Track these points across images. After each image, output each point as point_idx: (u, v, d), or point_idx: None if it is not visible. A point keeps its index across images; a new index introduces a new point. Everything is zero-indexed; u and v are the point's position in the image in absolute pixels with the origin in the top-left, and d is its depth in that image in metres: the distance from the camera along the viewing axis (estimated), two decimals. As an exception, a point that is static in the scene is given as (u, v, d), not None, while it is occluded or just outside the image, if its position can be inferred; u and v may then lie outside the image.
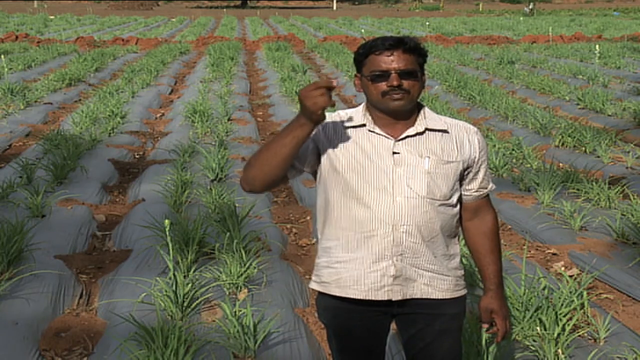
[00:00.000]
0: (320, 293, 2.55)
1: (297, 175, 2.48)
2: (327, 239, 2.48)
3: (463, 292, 2.54)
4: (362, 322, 2.49)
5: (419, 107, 2.47)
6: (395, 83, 2.34)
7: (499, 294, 2.55)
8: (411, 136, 2.41)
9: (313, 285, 2.55)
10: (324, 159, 2.44)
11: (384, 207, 2.37)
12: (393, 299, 2.43)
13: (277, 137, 2.35)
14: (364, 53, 2.40)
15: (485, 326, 2.58)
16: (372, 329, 2.52)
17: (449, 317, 2.51)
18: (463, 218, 2.57)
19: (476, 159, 2.49)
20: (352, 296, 2.44)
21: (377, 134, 2.41)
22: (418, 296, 2.45)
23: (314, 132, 2.39)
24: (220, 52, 20.20)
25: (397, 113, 2.39)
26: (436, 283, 2.46)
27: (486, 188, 2.55)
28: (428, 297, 2.46)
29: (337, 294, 2.46)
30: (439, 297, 2.47)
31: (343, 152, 2.41)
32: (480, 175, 2.52)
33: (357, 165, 2.39)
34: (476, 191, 2.53)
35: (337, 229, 2.44)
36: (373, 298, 2.42)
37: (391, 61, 2.35)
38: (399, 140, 2.41)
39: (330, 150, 2.42)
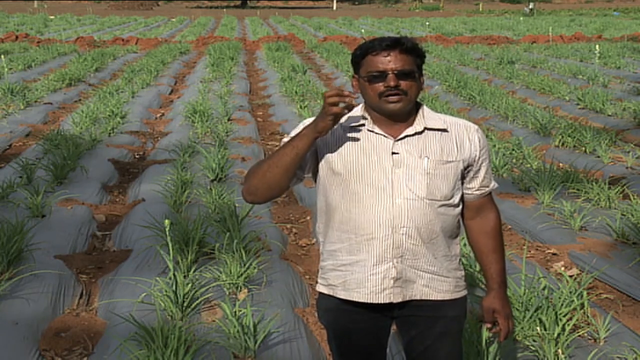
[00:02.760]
0: (320, 294, 2.55)
1: (298, 183, 2.48)
2: (332, 242, 2.47)
3: (463, 293, 2.54)
4: (362, 324, 2.49)
5: (417, 107, 2.45)
6: (392, 83, 2.33)
7: (502, 293, 2.54)
8: (410, 136, 2.40)
9: (320, 288, 2.54)
10: (322, 161, 2.43)
11: (384, 209, 2.36)
12: (394, 302, 2.43)
13: (279, 148, 2.36)
14: (361, 54, 2.39)
15: (488, 326, 2.57)
16: (372, 330, 2.52)
17: (449, 320, 2.50)
18: (465, 217, 2.56)
19: (477, 158, 2.48)
20: (355, 299, 2.43)
21: (376, 133, 2.40)
22: (418, 297, 2.44)
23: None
24: (220, 52, 20.20)
25: (395, 114, 2.38)
26: (435, 284, 2.45)
27: (488, 186, 2.54)
28: (428, 298, 2.45)
29: (343, 297, 2.46)
30: (439, 299, 2.46)
31: (341, 153, 2.40)
32: (482, 173, 2.51)
33: (356, 167, 2.38)
34: (478, 190, 2.52)
35: (340, 232, 2.43)
36: (375, 301, 2.42)
37: (388, 62, 2.34)
38: (398, 140, 2.39)
39: (328, 152, 2.41)
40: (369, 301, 2.42)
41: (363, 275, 2.41)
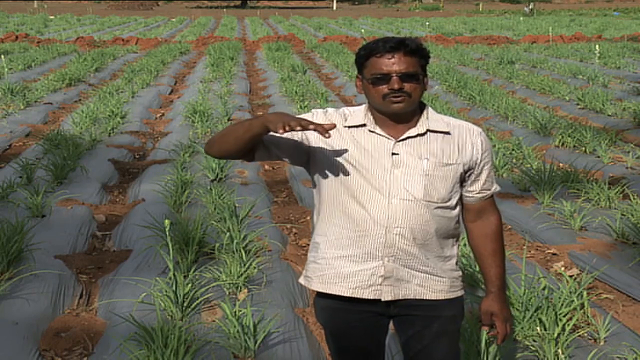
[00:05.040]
0: (317, 294, 2.55)
1: (268, 159, 2.49)
2: (317, 234, 2.50)
3: (459, 293, 2.53)
4: (358, 322, 2.49)
5: (421, 108, 2.45)
6: (396, 86, 2.32)
7: (501, 296, 2.54)
8: (412, 137, 2.40)
9: (301, 280, 2.58)
10: (321, 158, 2.43)
11: (379, 208, 2.37)
12: (382, 299, 2.43)
13: (243, 120, 2.40)
14: (365, 55, 2.38)
15: (485, 328, 2.57)
16: (369, 329, 2.52)
17: (446, 319, 2.50)
18: (466, 219, 2.56)
19: (479, 161, 2.47)
20: (336, 293, 2.44)
21: (377, 134, 2.40)
22: (412, 297, 2.44)
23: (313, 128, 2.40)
24: (220, 52, 20.20)
25: (398, 115, 2.39)
26: (430, 284, 2.45)
27: (489, 190, 2.53)
28: (422, 297, 2.45)
29: (321, 290, 2.48)
30: (433, 298, 2.46)
31: (342, 150, 2.40)
32: (483, 177, 2.50)
33: (355, 165, 2.39)
34: (479, 193, 2.51)
35: (328, 225, 2.45)
36: (359, 296, 2.42)
37: (392, 64, 2.33)
38: (399, 141, 2.39)
39: (328, 148, 2.42)
40: (352, 295, 2.43)
41: (349, 270, 2.42)
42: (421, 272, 2.43)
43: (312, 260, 2.51)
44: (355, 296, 2.42)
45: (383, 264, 2.39)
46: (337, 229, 2.43)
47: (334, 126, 2.26)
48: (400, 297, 2.43)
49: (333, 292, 2.45)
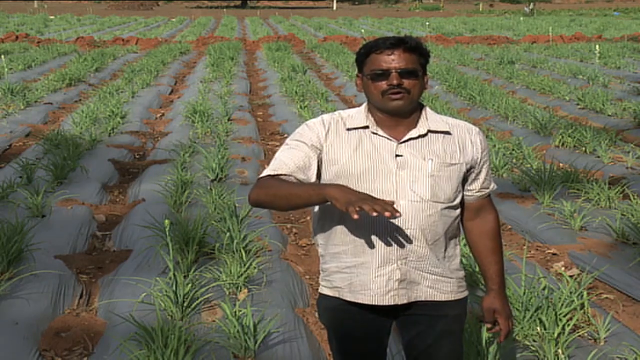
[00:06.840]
0: (321, 294, 2.54)
1: None
2: (335, 244, 2.46)
3: (465, 293, 2.55)
4: (363, 323, 2.49)
5: (420, 108, 2.45)
6: (395, 82, 2.33)
7: (501, 293, 2.55)
8: (414, 138, 2.40)
9: (325, 291, 2.52)
10: (326, 164, 2.42)
11: None
12: (399, 303, 2.42)
13: (300, 189, 2.32)
14: (365, 52, 2.40)
15: (488, 326, 2.58)
16: (373, 330, 2.51)
17: (450, 319, 2.50)
18: (465, 218, 2.56)
19: (478, 160, 2.48)
20: (361, 301, 2.43)
21: (380, 136, 2.39)
22: (422, 299, 2.45)
23: (316, 136, 2.40)
24: (220, 52, 20.20)
25: (397, 113, 2.38)
26: (440, 285, 2.46)
27: (488, 188, 2.54)
28: (432, 299, 2.46)
29: (349, 299, 2.45)
30: (443, 300, 2.47)
31: (346, 155, 2.39)
32: (482, 175, 2.51)
33: (360, 169, 2.37)
34: (478, 191, 2.52)
35: (344, 234, 2.42)
36: (380, 303, 2.41)
37: (392, 60, 2.34)
38: (402, 142, 2.39)
39: (333, 154, 2.40)
40: (374, 303, 2.41)
41: (367, 277, 2.40)
42: (431, 273, 2.43)
43: (337, 270, 2.46)
44: (377, 304, 2.41)
45: (398, 267, 2.39)
46: (351, 237, 2.41)
47: (393, 205, 2.16)
48: (413, 300, 2.43)
49: (359, 301, 2.43)
